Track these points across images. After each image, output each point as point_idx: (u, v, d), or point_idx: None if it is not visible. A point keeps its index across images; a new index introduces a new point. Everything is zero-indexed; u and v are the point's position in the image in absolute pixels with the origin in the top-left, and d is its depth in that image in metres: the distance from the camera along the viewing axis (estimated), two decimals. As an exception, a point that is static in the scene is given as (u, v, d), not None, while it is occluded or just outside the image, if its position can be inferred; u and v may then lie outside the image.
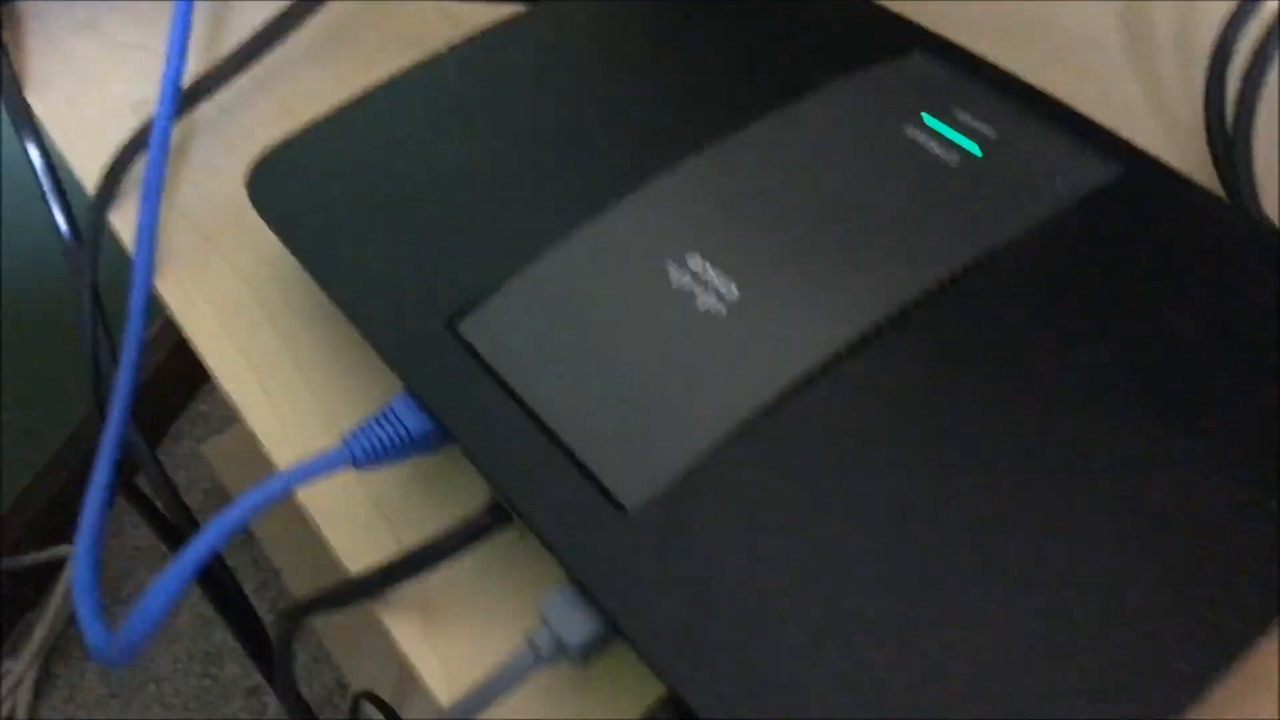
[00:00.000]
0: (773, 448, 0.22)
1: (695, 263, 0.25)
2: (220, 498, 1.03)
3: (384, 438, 0.24)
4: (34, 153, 0.36)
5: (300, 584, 0.90)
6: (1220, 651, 0.19)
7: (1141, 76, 0.35)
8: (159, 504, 0.34)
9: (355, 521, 0.26)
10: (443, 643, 0.23)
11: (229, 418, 1.11)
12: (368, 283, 0.26)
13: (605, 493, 0.22)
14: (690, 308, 0.24)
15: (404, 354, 0.25)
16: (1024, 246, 0.25)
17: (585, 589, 0.21)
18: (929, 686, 0.19)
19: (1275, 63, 0.30)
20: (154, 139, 0.32)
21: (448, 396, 0.24)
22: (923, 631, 0.19)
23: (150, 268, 0.31)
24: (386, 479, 0.26)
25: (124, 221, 0.33)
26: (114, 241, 0.33)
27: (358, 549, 0.25)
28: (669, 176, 0.27)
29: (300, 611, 0.24)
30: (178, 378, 1.11)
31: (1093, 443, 0.22)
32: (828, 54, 0.30)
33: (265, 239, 0.32)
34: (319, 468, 0.23)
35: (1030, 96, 0.29)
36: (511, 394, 0.24)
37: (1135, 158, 0.27)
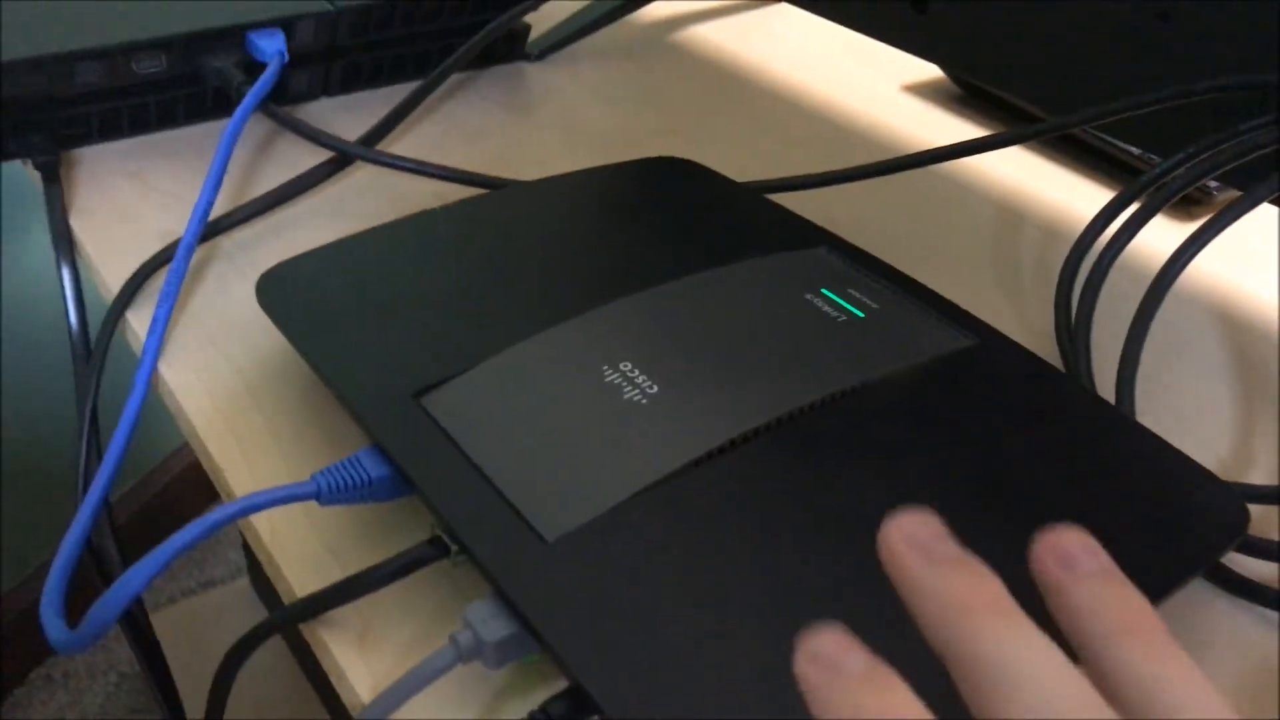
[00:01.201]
0: (669, 506, 0.27)
1: (625, 366, 0.30)
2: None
3: (347, 478, 0.28)
4: (65, 270, 0.41)
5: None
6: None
7: (1006, 289, 0.42)
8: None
9: (308, 558, 0.29)
10: (375, 658, 0.27)
11: (160, 600, 1.10)
12: (349, 363, 0.31)
13: (531, 528, 0.26)
14: (617, 398, 0.29)
15: (374, 415, 0.29)
16: (888, 385, 0.31)
17: (507, 599, 0.25)
18: (787, 684, 0.23)
19: (1108, 278, 0.37)
20: (179, 252, 0.37)
21: (408, 450, 0.28)
22: (774, 640, 0.23)
23: (158, 352, 0.36)
24: (339, 526, 0.30)
25: (140, 320, 0.38)
26: (115, 366, 0.38)
27: (307, 580, 0.29)
28: (609, 307, 0.33)
29: (252, 636, 0.27)
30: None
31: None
32: (750, 240, 0.37)
33: (262, 345, 0.37)
34: (287, 494, 0.27)
35: (910, 285, 0.36)
36: (462, 452, 0.28)
37: (990, 333, 0.34)
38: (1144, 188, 0.38)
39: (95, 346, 0.38)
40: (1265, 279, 0.45)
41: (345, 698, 0.27)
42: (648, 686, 0.23)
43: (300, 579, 0.29)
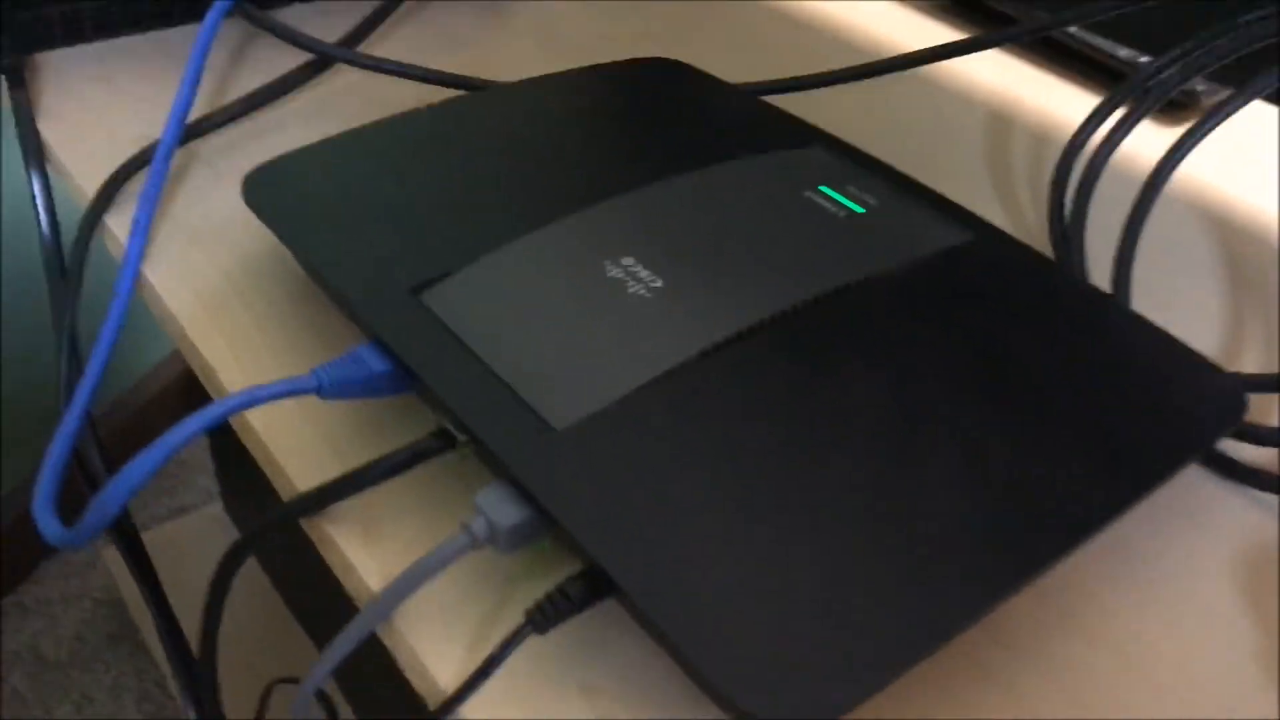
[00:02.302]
0: (677, 396, 0.26)
1: (628, 261, 0.30)
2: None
3: (348, 372, 0.28)
4: (35, 177, 0.40)
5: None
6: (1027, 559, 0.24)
7: (998, 193, 0.42)
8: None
9: (308, 454, 0.29)
10: (380, 550, 0.27)
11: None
12: (343, 260, 0.30)
13: (539, 417, 0.26)
14: (620, 292, 0.29)
15: (372, 310, 0.29)
16: (891, 278, 0.31)
17: (519, 484, 0.25)
18: (787, 552, 0.23)
19: (1100, 180, 0.37)
20: (159, 153, 0.36)
21: (409, 343, 0.28)
22: (784, 520, 0.24)
23: (141, 255, 0.35)
24: (336, 423, 0.30)
25: (119, 224, 0.37)
26: (93, 278, 0.37)
27: (308, 476, 0.28)
28: (606, 203, 0.32)
29: (256, 534, 0.27)
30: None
31: (934, 405, 0.27)
32: (743, 139, 0.36)
33: (248, 248, 0.36)
34: (288, 388, 0.27)
35: (906, 182, 0.35)
36: (464, 345, 0.28)
37: (987, 228, 0.34)
38: (1136, 85, 0.38)
39: (73, 252, 0.37)
40: (1260, 180, 0.45)
41: (353, 590, 0.27)
42: (663, 563, 0.23)
43: (301, 474, 0.28)
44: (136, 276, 0.35)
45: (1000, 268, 0.32)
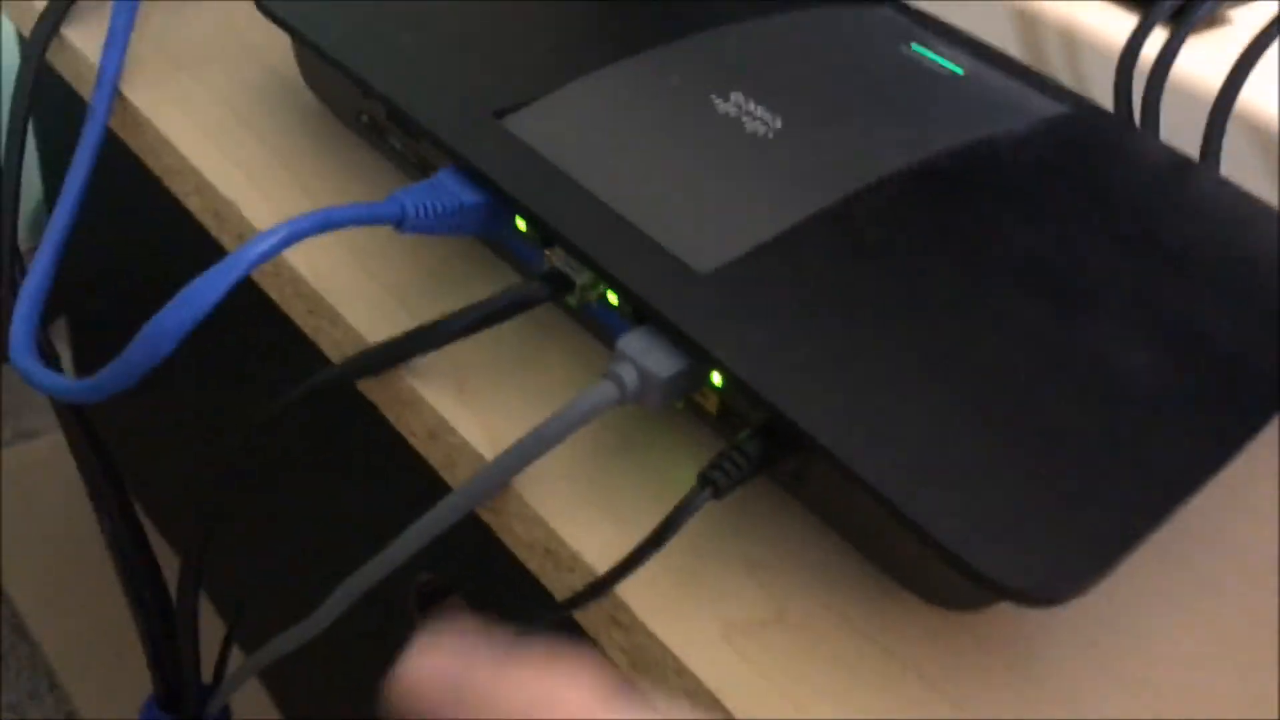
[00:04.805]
0: (828, 242, 0.23)
1: (738, 98, 0.26)
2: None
3: (435, 202, 0.23)
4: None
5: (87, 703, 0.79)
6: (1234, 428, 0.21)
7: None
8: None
9: (371, 303, 0.24)
10: (479, 407, 0.22)
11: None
12: (407, 78, 0.26)
13: (675, 259, 0.22)
14: (738, 131, 0.25)
15: (454, 133, 0.24)
16: (1015, 138, 0.28)
17: (673, 331, 0.21)
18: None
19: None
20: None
21: (505, 169, 0.23)
22: (954, 371, 0.21)
23: (119, 71, 0.29)
24: (401, 269, 0.25)
25: (84, 37, 0.30)
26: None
27: (375, 326, 0.24)
28: (696, 37, 0.28)
29: (335, 376, 0.22)
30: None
31: (1101, 267, 0.24)
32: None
33: (248, 74, 0.30)
34: (369, 213, 0.22)
35: (987, 49, 0.33)
36: (569, 179, 0.24)
37: (1078, 100, 0.31)
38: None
39: (20, 75, 0.30)
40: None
41: (443, 456, 0.22)
42: (856, 415, 0.20)
43: (368, 322, 0.24)
44: (114, 95, 0.28)
45: (1110, 142, 0.30)
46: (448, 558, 0.27)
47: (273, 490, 0.46)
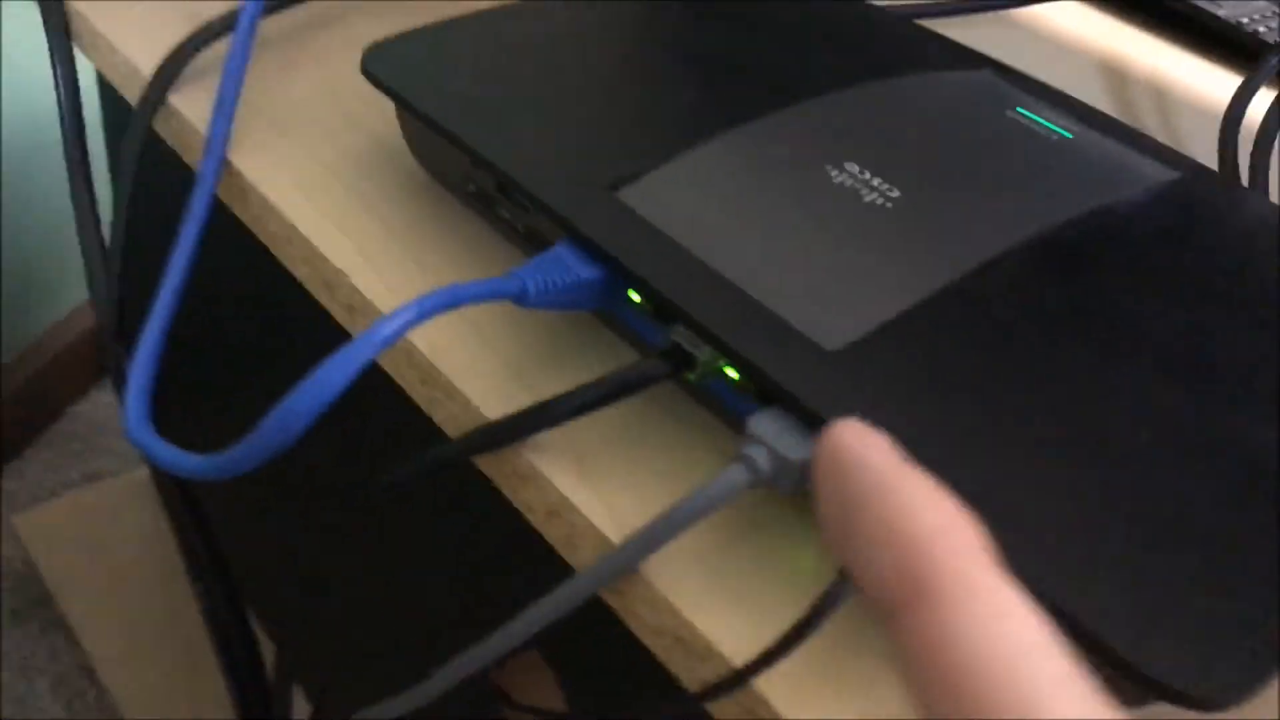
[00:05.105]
0: (948, 318, 0.23)
1: (852, 168, 0.26)
2: (32, 578, 0.91)
3: (555, 277, 0.23)
4: (56, 47, 0.33)
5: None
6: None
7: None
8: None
9: (487, 377, 0.24)
10: (600, 486, 0.22)
11: (39, 494, 0.99)
12: (520, 149, 0.25)
13: (803, 336, 0.22)
14: (856, 201, 0.25)
15: (570, 206, 0.24)
16: (1133, 205, 0.27)
17: (804, 413, 0.20)
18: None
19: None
20: (242, 20, 0.30)
21: (624, 242, 0.23)
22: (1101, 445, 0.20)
23: (227, 137, 0.29)
24: (516, 344, 0.25)
25: (189, 103, 0.31)
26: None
27: (491, 402, 0.23)
28: (801, 106, 0.28)
29: (454, 452, 0.22)
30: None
31: (1226, 340, 0.23)
32: (912, 55, 0.33)
33: (346, 137, 0.30)
34: (493, 289, 0.22)
35: (1091, 111, 0.32)
36: (687, 252, 0.23)
37: (1190, 164, 0.31)
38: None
39: (127, 139, 0.30)
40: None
41: (564, 535, 0.22)
42: (991, 498, 0.19)
43: (486, 399, 0.23)
44: (222, 162, 0.29)
45: (1227, 208, 0.29)
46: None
47: (365, 566, 0.46)
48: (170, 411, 0.73)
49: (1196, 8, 0.48)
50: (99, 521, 0.91)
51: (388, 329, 0.20)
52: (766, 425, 0.20)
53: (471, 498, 0.31)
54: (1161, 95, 0.44)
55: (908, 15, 0.40)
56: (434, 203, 0.29)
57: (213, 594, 0.29)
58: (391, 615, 0.45)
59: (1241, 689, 0.17)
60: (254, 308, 0.43)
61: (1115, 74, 0.45)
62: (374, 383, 0.27)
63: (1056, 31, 0.48)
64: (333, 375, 0.19)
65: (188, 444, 0.23)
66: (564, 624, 0.23)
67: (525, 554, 0.26)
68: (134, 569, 0.88)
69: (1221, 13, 0.47)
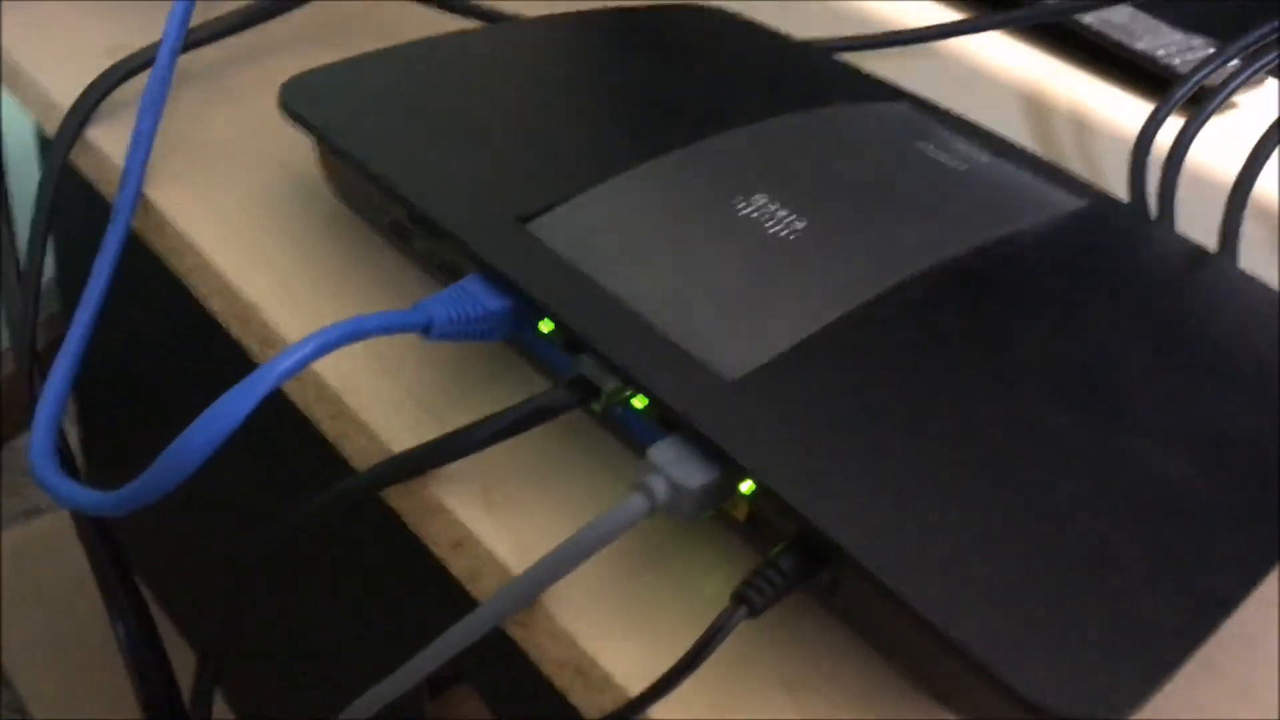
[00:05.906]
0: (845, 346, 0.23)
1: (759, 200, 0.26)
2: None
3: (460, 308, 0.23)
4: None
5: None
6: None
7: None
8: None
9: (395, 410, 0.24)
10: (509, 519, 0.22)
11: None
12: (432, 181, 0.26)
13: (703, 366, 0.22)
14: (759, 232, 0.25)
15: (479, 238, 0.24)
16: (1035, 234, 0.28)
17: (702, 441, 0.21)
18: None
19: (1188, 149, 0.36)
20: (161, 56, 0.30)
21: (532, 275, 0.23)
22: (990, 476, 0.20)
23: (144, 171, 0.29)
24: (426, 375, 0.25)
25: (107, 137, 0.31)
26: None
27: (397, 435, 0.23)
28: (713, 139, 0.29)
29: (360, 485, 0.22)
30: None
31: (1128, 369, 0.24)
32: (822, 89, 0.33)
33: (263, 173, 0.31)
34: (398, 321, 0.22)
35: (1002, 142, 0.33)
36: (594, 283, 0.24)
37: (1096, 194, 0.31)
38: (1210, 73, 0.37)
39: (44, 171, 0.30)
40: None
41: (467, 571, 0.22)
42: (891, 528, 0.19)
43: (391, 430, 0.23)
44: (138, 196, 0.29)
45: (1132, 235, 0.30)
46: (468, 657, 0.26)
47: (289, 594, 0.45)
48: (100, 446, 0.72)
49: (1115, 41, 0.49)
50: (33, 557, 0.90)
51: (287, 362, 0.20)
52: (665, 454, 0.21)
53: (392, 526, 0.31)
54: (1081, 126, 0.45)
55: (830, 49, 0.41)
56: (352, 237, 0.29)
57: (129, 628, 0.28)
58: (315, 643, 0.45)
59: (1116, 708, 0.17)
60: (182, 341, 0.42)
61: (1037, 105, 0.46)
62: (296, 416, 0.27)
63: (981, 64, 0.49)
64: (229, 409, 0.19)
65: (121, 479, 0.23)
66: (490, 655, 0.23)
67: (441, 585, 0.26)
68: (71, 605, 0.87)
69: (1140, 45, 0.49)
